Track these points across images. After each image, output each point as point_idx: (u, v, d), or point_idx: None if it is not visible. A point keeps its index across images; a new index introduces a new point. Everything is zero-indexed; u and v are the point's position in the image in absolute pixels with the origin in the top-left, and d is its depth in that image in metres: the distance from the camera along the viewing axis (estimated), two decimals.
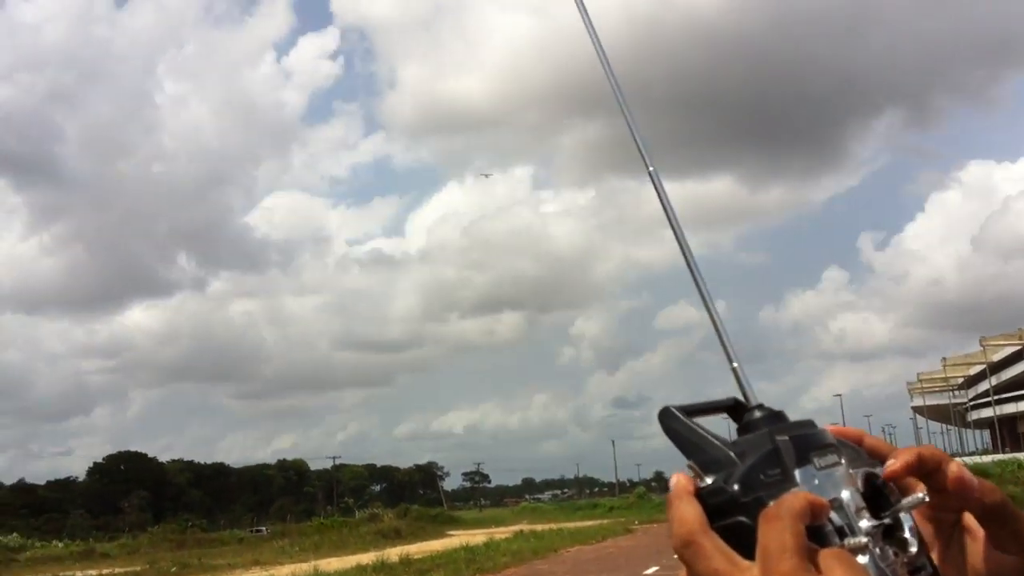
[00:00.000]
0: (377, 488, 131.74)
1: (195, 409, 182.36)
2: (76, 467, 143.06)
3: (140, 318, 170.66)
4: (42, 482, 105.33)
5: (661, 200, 0.90)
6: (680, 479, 0.71)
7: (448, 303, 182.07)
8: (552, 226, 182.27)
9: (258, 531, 74.03)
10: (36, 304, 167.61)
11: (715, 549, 0.66)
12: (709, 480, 0.70)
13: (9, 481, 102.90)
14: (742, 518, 0.67)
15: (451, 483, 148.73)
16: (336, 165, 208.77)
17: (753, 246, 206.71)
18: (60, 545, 60.45)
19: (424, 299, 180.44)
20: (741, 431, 0.75)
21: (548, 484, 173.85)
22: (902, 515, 0.68)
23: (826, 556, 0.63)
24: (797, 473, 0.69)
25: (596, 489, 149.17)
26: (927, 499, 0.69)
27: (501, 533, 48.14)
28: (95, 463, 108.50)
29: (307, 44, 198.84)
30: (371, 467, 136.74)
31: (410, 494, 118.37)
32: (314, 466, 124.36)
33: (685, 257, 0.86)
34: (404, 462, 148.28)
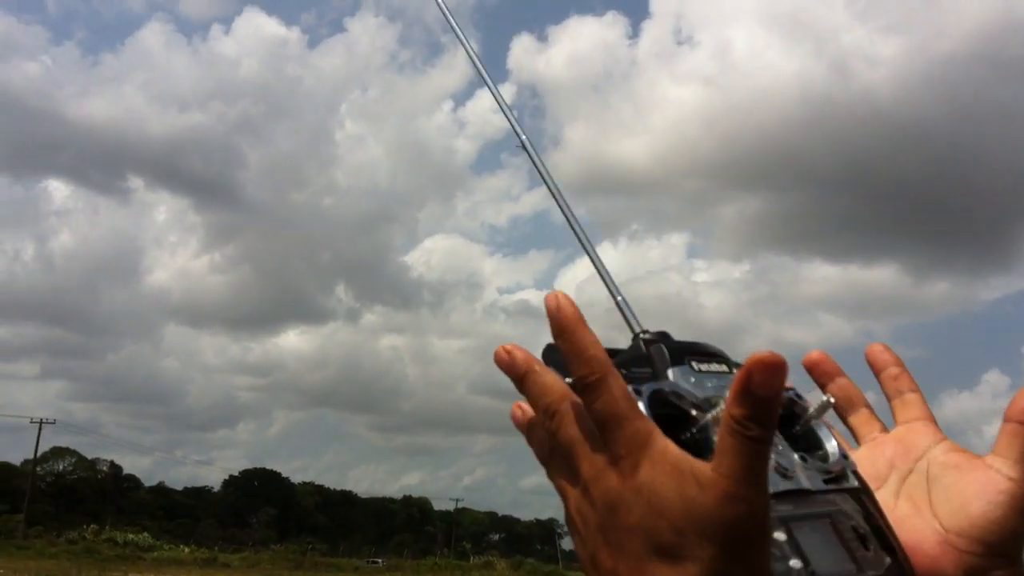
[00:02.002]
0: (496, 537, 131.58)
1: (332, 435, 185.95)
2: (213, 477, 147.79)
3: (294, 342, 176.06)
4: (180, 487, 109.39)
5: (536, 166, 0.92)
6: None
7: None
8: (703, 296, 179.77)
9: (374, 562, 75.19)
10: (200, 318, 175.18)
11: (582, 413, 0.63)
12: (569, 380, 0.66)
13: (149, 483, 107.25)
14: None
15: (569, 542, 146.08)
16: (497, 215, 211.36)
17: (911, 339, 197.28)
18: (186, 550, 62.68)
19: None
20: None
21: None
22: (822, 433, 0.67)
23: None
24: (670, 372, 0.66)
25: None
26: (831, 400, 0.67)
27: None
28: (231, 476, 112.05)
29: (483, 97, 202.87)
30: (492, 515, 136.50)
31: (527, 548, 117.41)
32: (437, 506, 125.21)
33: (563, 211, 0.89)
34: (525, 514, 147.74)
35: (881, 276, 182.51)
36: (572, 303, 0.64)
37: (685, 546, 0.55)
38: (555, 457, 0.65)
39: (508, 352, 0.67)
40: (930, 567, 0.68)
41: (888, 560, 0.64)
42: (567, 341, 0.63)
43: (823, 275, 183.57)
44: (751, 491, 0.55)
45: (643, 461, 0.58)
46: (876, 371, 0.78)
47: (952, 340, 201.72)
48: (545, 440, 0.66)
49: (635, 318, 0.76)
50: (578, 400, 0.63)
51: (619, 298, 0.78)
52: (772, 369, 0.54)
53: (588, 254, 0.84)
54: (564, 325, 0.63)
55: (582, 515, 0.62)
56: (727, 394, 0.59)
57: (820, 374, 0.79)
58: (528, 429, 0.69)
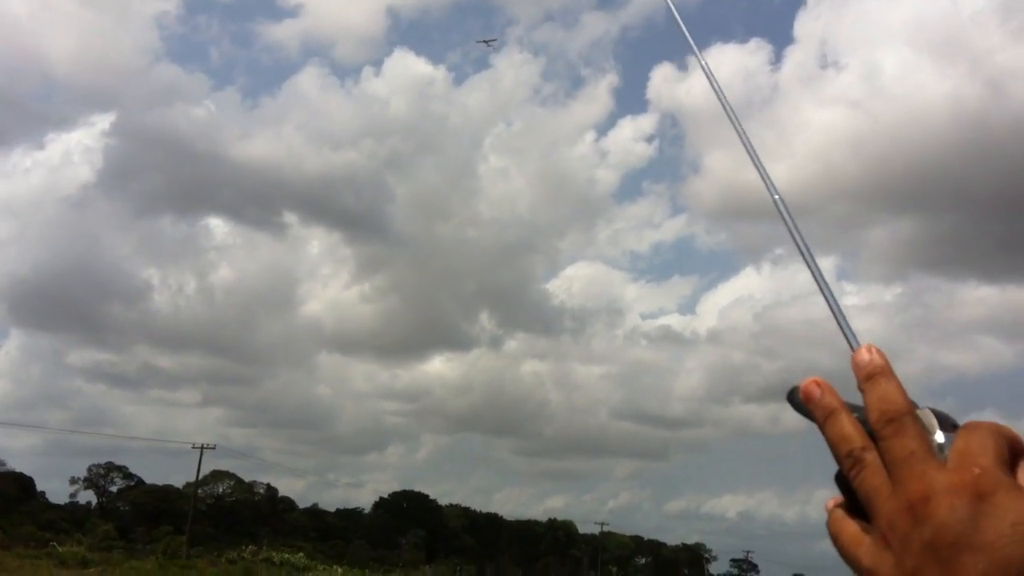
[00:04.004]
0: (642, 561, 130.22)
1: (477, 459, 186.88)
2: (364, 499, 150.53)
3: (440, 368, 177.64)
4: (332, 509, 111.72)
5: (787, 224, 0.94)
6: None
7: (733, 386, 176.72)
8: (854, 320, 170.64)
9: None
10: (351, 346, 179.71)
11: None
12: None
13: (303, 505, 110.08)
14: None
15: (717, 567, 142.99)
16: (639, 242, 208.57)
17: None
18: (339, 570, 64.25)
19: (708, 380, 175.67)
20: None
21: None
22: None
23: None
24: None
25: None
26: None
27: None
28: (381, 498, 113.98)
29: (625, 127, 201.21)
30: (637, 539, 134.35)
31: (674, 572, 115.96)
32: (582, 529, 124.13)
33: (813, 273, 0.93)
34: (671, 539, 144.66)
35: None
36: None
37: None
38: (868, 460, 0.67)
39: (820, 387, 0.71)
40: None
41: None
42: (871, 382, 0.71)
43: (980, 297, 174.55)
44: None
45: (1000, 490, 0.60)
46: None
47: None
48: (853, 436, 0.69)
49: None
50: (875, 451, 0.67)
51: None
52: None
53: (841, 328, 0.87)
54: (867, 373, 0.72)
55: (898, 530, 0.63)
56: None
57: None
58: (830, 414, 0.72)
